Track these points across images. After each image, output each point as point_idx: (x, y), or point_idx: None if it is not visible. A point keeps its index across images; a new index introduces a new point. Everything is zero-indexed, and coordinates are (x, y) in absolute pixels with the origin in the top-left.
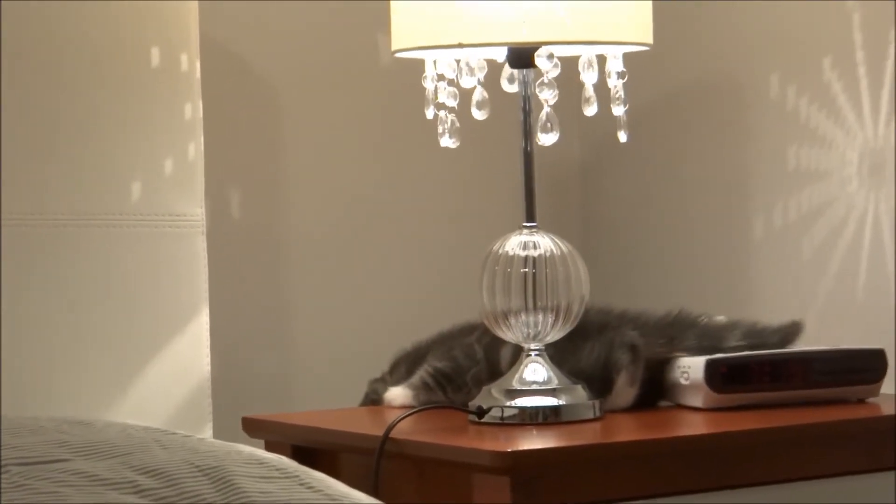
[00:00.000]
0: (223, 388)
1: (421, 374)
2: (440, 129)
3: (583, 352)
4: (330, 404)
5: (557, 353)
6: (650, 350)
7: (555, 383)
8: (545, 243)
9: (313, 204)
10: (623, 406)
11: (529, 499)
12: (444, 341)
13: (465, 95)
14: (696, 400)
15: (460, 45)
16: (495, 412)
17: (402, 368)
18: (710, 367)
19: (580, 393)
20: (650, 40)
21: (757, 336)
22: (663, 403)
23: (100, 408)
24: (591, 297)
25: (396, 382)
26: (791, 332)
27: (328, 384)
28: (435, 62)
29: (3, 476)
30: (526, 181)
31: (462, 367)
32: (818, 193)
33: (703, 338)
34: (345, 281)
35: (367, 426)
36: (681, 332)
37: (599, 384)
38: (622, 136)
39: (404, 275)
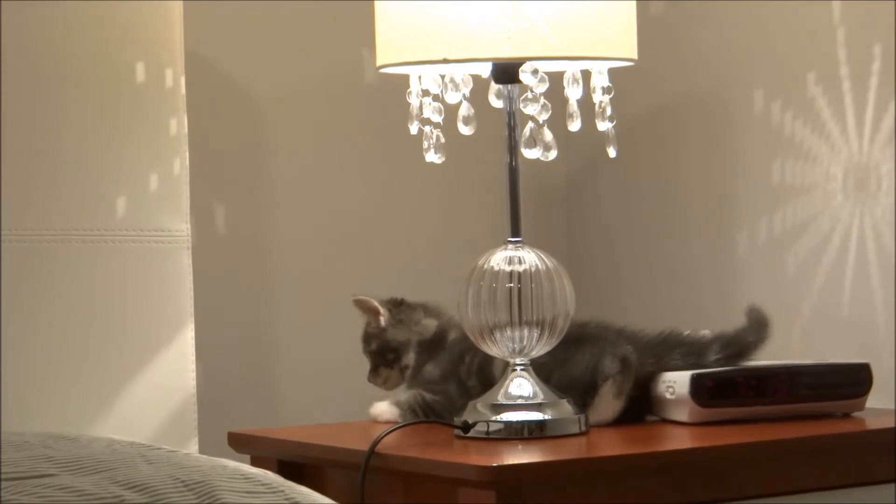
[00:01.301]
0: (209, 402)
1: (411, 400)
2: (425, 145)
3: (574, 360)
4: (315, 419)
5: (550, 361)
6: (640, 367)
7: (540, 398)
8: (530, 258)
9: (298, 219)
10: (608, 419)
11: None
12: (454, 350)
13: (449, 110)
14: (682, 414)
15: (445, 61)
16: (481, 427)
17: (418, 314)
18: (696, 381)
19: (566, 407)
20: (635, 55)
21: (734, 343)
22: (649, 418)
23: (85, 422)
24: (576, 312)
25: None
26: (759, 319)
27: (314, 399)
28: (420, 77)
29: None
30: (511, 196)
31: (456, 405)
32: (803, 208)
33: (688, 356)
34: (330, 296)
35: (353, 441)
36: (668, 350)
37: (585, 389)
38: (611, 152)
39: (389, 289)
